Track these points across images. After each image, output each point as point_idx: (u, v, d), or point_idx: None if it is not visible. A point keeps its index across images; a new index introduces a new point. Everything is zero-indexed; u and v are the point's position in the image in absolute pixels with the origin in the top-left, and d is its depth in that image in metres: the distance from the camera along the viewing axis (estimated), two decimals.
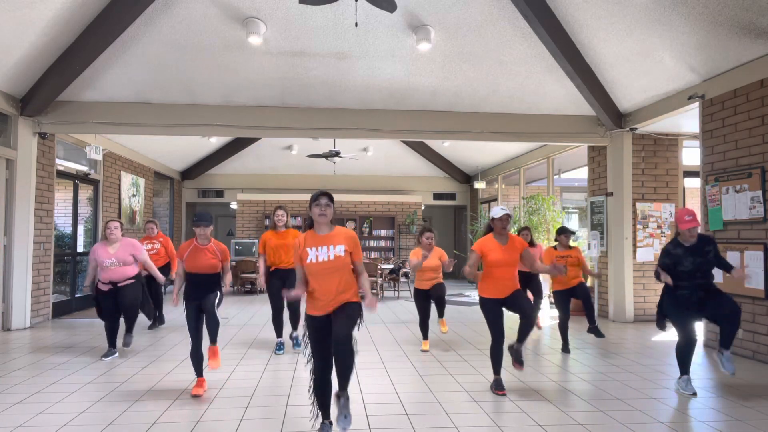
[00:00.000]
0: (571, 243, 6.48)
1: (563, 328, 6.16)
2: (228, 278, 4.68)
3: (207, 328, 4.49)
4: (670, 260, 4.50)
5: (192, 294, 4.49)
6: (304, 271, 3.42)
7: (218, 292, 4.57)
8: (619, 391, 4.53)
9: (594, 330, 6.14)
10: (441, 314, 6.29)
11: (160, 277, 6.08)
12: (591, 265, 6.89)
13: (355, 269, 3.50)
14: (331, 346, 3.32)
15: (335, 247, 3.36)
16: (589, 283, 6.62)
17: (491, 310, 4.49)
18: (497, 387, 4.47)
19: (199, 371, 4.46)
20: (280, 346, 6.01)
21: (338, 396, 3.37)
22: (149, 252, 7.32)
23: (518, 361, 4.53)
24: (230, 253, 4.74)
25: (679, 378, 4.59)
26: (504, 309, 4.53)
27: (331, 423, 3.49)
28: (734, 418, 3.91)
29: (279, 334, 6.05)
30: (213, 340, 4.54)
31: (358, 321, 3.43)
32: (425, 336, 6.19)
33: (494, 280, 4.47)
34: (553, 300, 9.80)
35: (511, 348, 4.57)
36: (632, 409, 4.08)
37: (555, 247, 6.34)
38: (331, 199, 3.42)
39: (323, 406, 3.46)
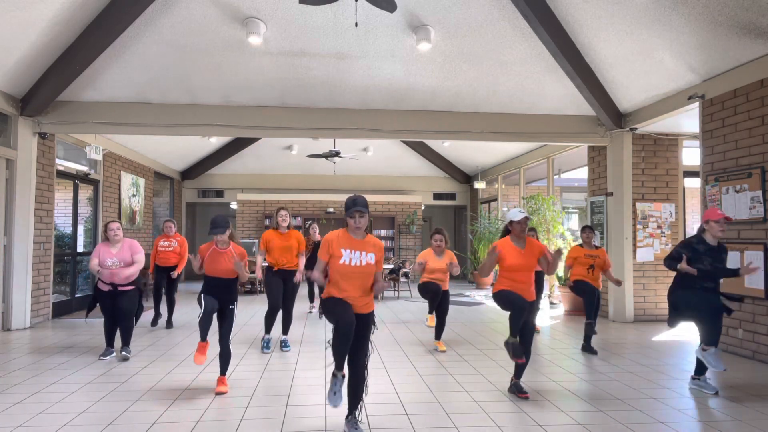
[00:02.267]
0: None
1: (589, 312, 5.91)
2: (243, 275, 4.58)
3: (220, 358, 4.50)
4: (690, 253, 4.47)
5: (210, 293, 4.51)
6: (326, 265, 3.54)
7: (234, 308, 4.54)
8: (619, 391, 4.53)
9: (588, 348, 6.01)
10: (438, 336, 6.21)
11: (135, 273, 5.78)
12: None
13: (377, 275, 3.65)
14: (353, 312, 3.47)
15: (367, 254, 3.52)
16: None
17: (511, 297, 4.27)
18: (518, 390, 4.38)
19: (203, 336, 4.44)
20: (267, 344, 6.05)
21: (348, 418, 3.56)
22: (166, 249, 7.43)
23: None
24: (247, 255, 4.71)
25: (697, 378, 4.61)
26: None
27: (343, 376, 3.57)
28: (734, 418, 3.91)
29: (268, 331, 6.11)
30: (223, 371, 4.53)
31: (372, 328, 3.64)
32: (432, 312, 6.29)
33: (511, 282, 4.34)
34: (558, 299, 9.83)
35: (512, 386, 4.49)
36: (632, 409, 4.08)
37: (581, 245, 6.23)
38: (365, 208, 3.48)
39: (340, 359, 3.51)
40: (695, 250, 4.50)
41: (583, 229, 6.30)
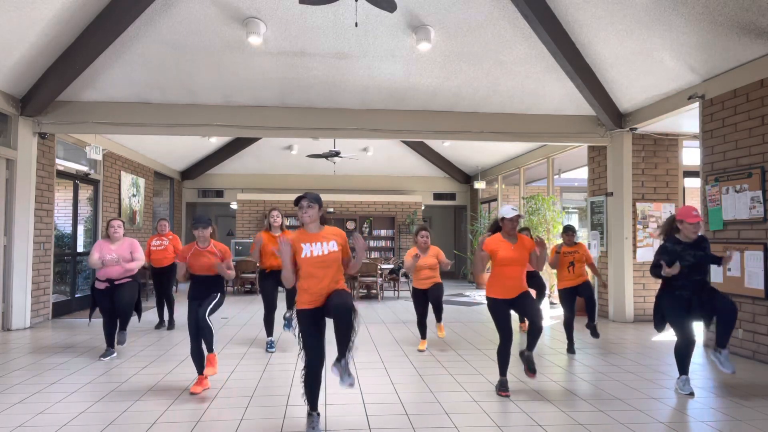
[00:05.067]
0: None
1: (569, 327, 6.07)
2: (230, 273, 4.62)
3: (202, 338, 4.51)
4: (669, 257, 4.43)
5: (194, 294, 4.59)
6: (293, 265, 3.54)
7: (218, 295, 4.61)
8: (619, 391, 4.53)
9: (591, 327, 6.13)
10: (438, 319, 6.26)
11: (133, 268, 5.82)
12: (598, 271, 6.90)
13: (347, 259, 3.68)
14: (323, 342, 3.54)
15: (328, 243, 3.56)
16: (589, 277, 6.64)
17: (499, 310, 4.41)
18: (502, 388, 4.41)
19: (200, 369, 4.49)
20: (271, 345, 6.07)
21: (338, 360, 3.47)
22: (158, 248, 7.45)
23: (531, 369, 4.43)
24: (230, 253, 4.77)
25: (678, 378, 4.60)
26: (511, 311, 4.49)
27: (318, 414, 3.59)
28: (734, 418, 3.91)
29: (270, 333, 6.12)
30: (209, 348, 4.56)
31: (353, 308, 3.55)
32: (423, 336, 6.20)
33: (502, 279, 4.39)
34: (557, 299, 9.84)
35: (522, 355, 4.53)
36: (632, 409, 4.09)
37: (561, 244, 6.31)
38: (313, 200, 3.57)
39: (312, 398, 3.57)
40: (672, 252, 4.45)
41: (565, 230, 6.33)
